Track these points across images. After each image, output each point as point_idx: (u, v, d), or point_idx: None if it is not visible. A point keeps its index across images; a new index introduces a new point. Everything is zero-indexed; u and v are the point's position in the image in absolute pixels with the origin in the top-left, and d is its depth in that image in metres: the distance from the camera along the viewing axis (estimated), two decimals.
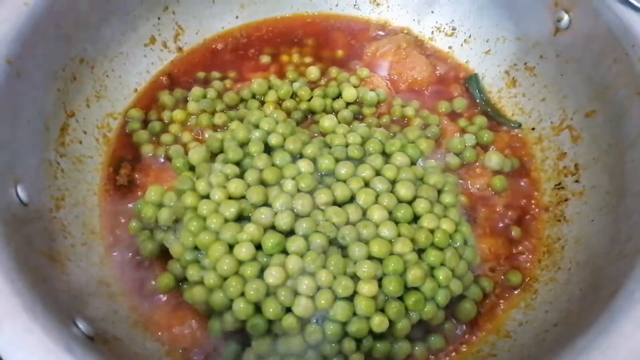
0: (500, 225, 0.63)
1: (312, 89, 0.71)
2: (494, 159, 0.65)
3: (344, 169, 0.55)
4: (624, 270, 0.46)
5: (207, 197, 0.54)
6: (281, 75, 0.75)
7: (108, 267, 0.58)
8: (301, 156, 0.58)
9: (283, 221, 0.51)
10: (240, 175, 0.55)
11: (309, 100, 0.70)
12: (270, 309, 0.48)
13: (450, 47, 0.78)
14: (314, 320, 0.49)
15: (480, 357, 0.54)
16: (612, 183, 0.57)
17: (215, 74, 0.75)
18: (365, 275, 0.48)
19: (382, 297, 0.49)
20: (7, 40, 0.53)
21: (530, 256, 0.61)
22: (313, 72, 0.73)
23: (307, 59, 0.77)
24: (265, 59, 0.77)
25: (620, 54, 0.57)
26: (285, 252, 0.50)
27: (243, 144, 0.59)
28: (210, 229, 0.51)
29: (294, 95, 0.71)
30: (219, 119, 0.67)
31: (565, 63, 0.66)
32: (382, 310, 0.49)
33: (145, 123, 0.70)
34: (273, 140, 0.58)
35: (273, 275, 0.48)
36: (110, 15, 0.68)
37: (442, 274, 0.51)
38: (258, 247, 0.50)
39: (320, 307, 0.48)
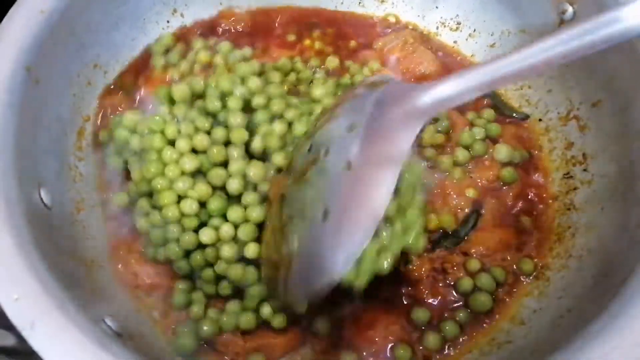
0: (510, 215, 0.64)
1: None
2: (503, 151, 0.66)
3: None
4: (634, 256, 0.47)
5: (173, 143, 0.57)
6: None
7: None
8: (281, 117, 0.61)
9: (233, 187, 0.55)
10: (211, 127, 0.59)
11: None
12: (197, 257, 0.55)
13: (455, 42, 0.79)
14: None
15: (496, 344, 0.55)
16: (620, 171, 0.58)
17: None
18: None
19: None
20: (25, 47, 0.55)
21: (542, 244, 0.62)
22: (333, 61, 0.74)
23: (327, 48, 0.78)
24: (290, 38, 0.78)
25: (624, 44, 0.58)
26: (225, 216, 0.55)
27: (225, 96, 0.61)
28: (167, 176, 0.56)
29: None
30: None
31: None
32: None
33: None
34: (255, 101, 0.60)
35: (206, 235, 0.54)
36: (121, 20, 0.69)
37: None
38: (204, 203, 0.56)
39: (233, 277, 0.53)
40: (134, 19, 0.71)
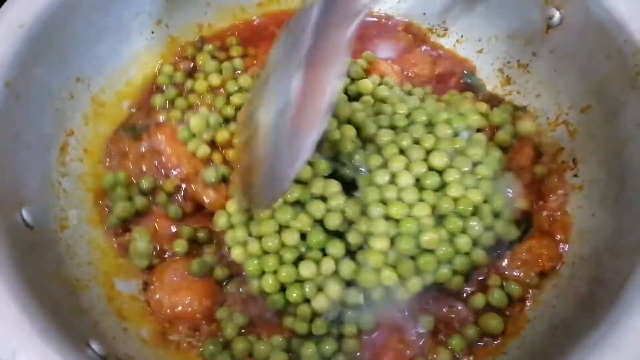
0: None
1: None
2: (527, 124, 0.66)
3: (384, 137, 0.58)
4: (629, 263, 0.46)
5: None
6: None
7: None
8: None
9: (333, 222, 0.53)
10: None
11: None
12: (294, 293, 0.52)
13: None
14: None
15: (490, 356, 0.54)
16: (611, 176, 0.58)
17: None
18: (378, 232, 0.51)
19: (394, 255, 0.52)
20: (4, 62, 0.54)
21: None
22: None
23: None
24: None
25: (613, 49, 0.58)
26: (324, 249, 0.53)
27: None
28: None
29: None
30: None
31: (558, 59, 0.66)
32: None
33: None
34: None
35: (308, 268, 0.52)
36: (103, 32, 0.68)
37: (461, 240, 0.53)
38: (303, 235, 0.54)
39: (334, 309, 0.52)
40: (117, 30, 0.70)
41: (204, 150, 0.62)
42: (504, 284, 0.57)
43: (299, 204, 0.55)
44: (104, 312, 0.54)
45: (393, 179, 0.55)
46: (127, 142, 0.65)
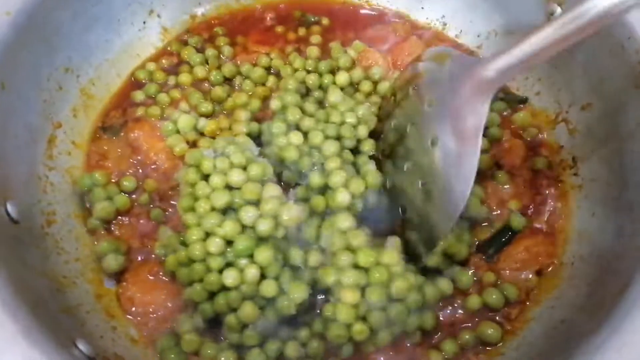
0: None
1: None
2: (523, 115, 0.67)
3: (330, 148, 0.58)
4: (632, 264, 0.46)
5: (208, 177, 0.55)
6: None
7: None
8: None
9: (263, 227, 0.51)
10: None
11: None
12: (221, 301, 0.50)
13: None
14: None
15: (488, 356, 0.53)
16: (611, 176, 0.57)
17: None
18: (348, 284, 0.48)
19: (364, 306, 0.49)
20: None
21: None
22: (314, 51, 0.72)
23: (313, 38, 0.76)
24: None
25: (615, 46, 0.57)
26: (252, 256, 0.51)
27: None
28: (197, 212, 0.53)
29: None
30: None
31: (558, 56, 0.65)
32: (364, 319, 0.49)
33: None
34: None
35: (231, 277, 0.50)
36: (93, 21, 0.66)
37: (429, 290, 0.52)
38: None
39: (249, 320, 0.49)
40: (107, 19, 0.68)
41: (181, 147, 0.62)
42: (500, 282, 0.56)
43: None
44: (92, 310, 0.52)
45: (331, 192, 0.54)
46: (106, 141, 0.64)
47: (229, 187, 0.54)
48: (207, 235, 0.52)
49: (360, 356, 0.51)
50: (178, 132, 0.63)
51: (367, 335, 0.48)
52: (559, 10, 0.63)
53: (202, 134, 0.64)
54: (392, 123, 0.59)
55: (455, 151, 0.48)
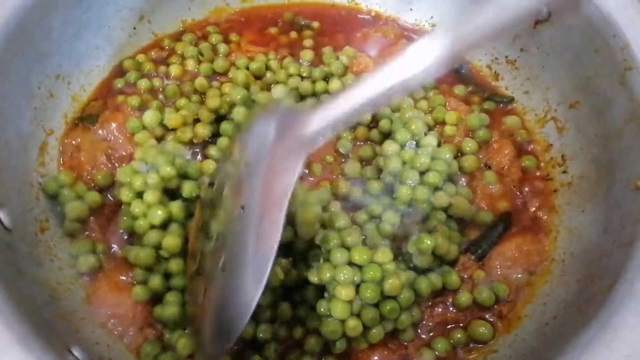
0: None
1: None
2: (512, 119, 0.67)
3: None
4: (621, 260, 0.46)
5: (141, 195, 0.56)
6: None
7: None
8: None
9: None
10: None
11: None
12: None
13: None
14: None
15: (481, 354, 0.54)
16: (600, 173, 0.58)
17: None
18: (343, 280, 0.49)
19: (358, 303, 0.49)
20: None
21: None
22: (308, 55, 0.73)
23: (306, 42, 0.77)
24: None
25: (601, 44, 0.58)
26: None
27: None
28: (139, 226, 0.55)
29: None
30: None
31: (546, 55, 0.66)
32: (357, 316, 0.50)
33: None
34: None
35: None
36: (84, 28, 0.66)
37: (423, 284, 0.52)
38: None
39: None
40: (98, 26, 0.68)
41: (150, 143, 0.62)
42: (491, 281, 0.57)
43: None
44: (87, 317, 0.52)
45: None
46: (81, 132, 0.63)
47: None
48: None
49: (354, 355, 0.52)
50: (144, 127, 0.63)
51: (361, 331, 0.49)
52: (544, 9, 0.64)
53: (168, 130, 0.64)
54: (214, 187, 0.52)
55: (259, 218, 0.42)
